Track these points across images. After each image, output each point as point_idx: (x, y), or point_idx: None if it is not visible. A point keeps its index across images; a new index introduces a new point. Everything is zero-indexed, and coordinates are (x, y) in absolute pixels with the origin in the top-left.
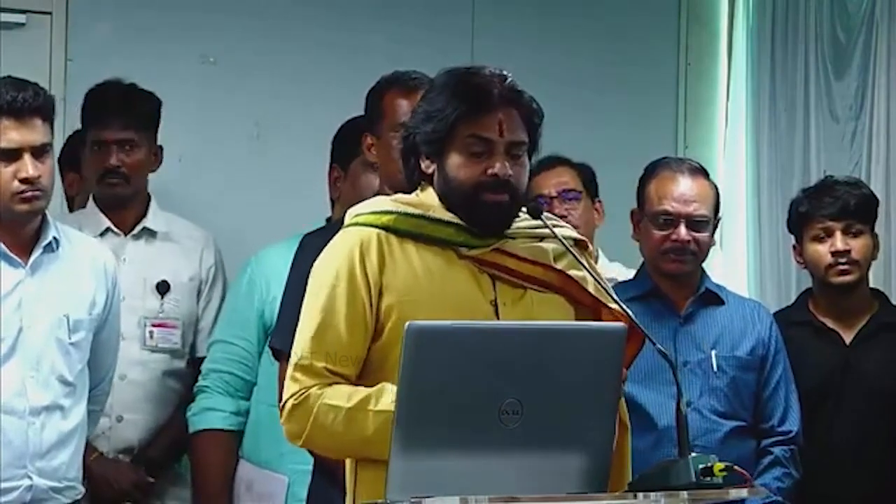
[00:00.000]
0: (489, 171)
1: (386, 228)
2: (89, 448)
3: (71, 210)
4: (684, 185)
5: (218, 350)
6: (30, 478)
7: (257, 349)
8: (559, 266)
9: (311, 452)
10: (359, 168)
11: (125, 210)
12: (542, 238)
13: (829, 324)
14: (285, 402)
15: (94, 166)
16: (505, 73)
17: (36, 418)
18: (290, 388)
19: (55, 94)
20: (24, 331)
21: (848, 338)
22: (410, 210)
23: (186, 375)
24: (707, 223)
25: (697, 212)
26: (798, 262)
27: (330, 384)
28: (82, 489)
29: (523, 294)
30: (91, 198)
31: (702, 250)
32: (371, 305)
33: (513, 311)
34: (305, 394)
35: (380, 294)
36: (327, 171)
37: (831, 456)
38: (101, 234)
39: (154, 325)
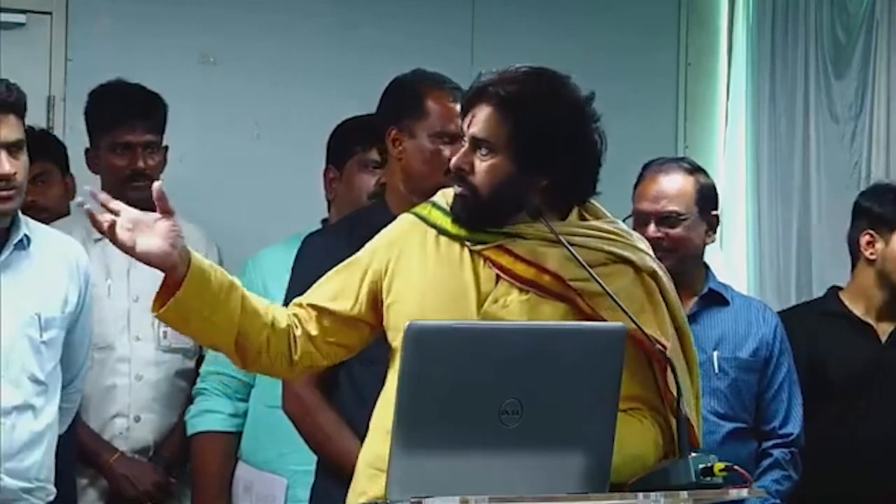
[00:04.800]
0: (450, 163)
1: (421, 217)
2: (110, 448)
3: None
4: (658, 184)
5: (215, 352)
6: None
7: None
8: (566, 276)
9: (313, 451)
10: (354, 168)
11: None
12: (557, 243)
13: (866, 320)
14: None
15: (116, 169)
16: (500, 71)
17: (6, 418)
18: None
19: (55, 94)
20: None
21: (883, 335)
22: (440, 203)
23: (195, 375)
24: (679, 218)
25: (665, 208)
26: (869, 255)
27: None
28: (54, 490)
29: (522, 295)
30: None
31: (678, 246)
32: (369, 280)
33: (503, 310)
34: None
35: (385, 272)
36: (322, 172)
37: (860, 453)
38: None
39: (167, 326)
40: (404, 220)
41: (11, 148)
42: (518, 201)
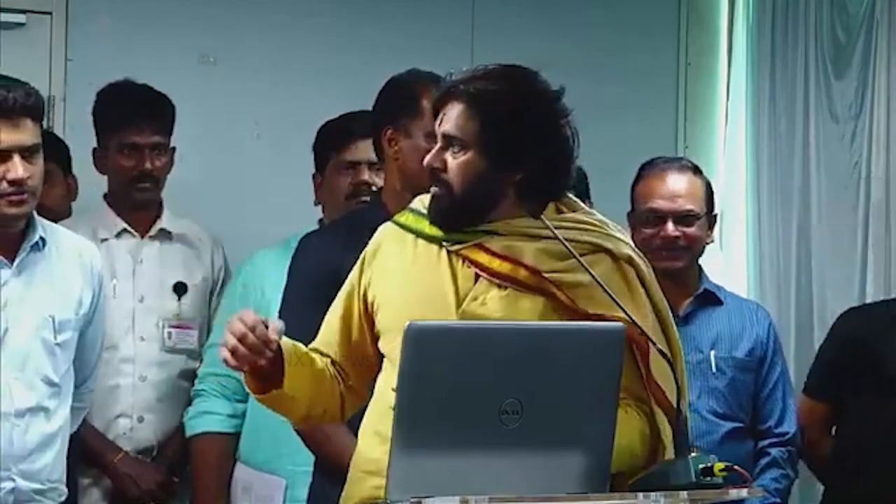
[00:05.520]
0: (425, 162)
1: (399, 224)
2: (114, 448)
3: None
4: (670, 182)
5: (213, 354)
6: (13, 480)
7: None
8: (543, 269)
9: (312, 451)
10: (331, 171)
11: (143, 212)
12: (541, 237)
13: None
14: None
15: (123, 169)
16: (471, 70)
17: (20, 420)
18: None
19: (55, 94)
20: (9, 332)
21: None
22: (416, 207)
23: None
24: (695, 218)
25: (684, 207)
26: None
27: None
28: (65, 490)
29: (502, 292)
30: (103, 199)
31: (693, 245)
32: (360, 295)
33: (481, 308)
34: None
35: (369, 285)
36: (311, 178)
37: None
38: (117, 236)
39: (172, 327)
40: (382, 230)
41: (26, 152)
42: (492, 197)
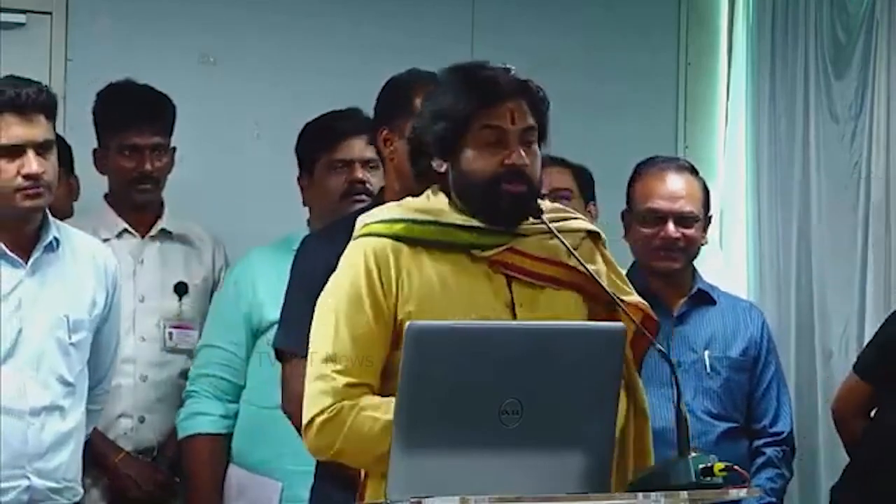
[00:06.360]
0: (506, 162)
1: (397, 238)
2: (115, 447)
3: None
4: (671, 183)
5: (205, 354)
6: (28, 478)
7: (245, 352)
8: (572, 263)
9: None
10: (323, 171)
11: (144, 212)
12: (546, 233)
13: None
14: (313, 418)
15: (124, 170)
16: (507, 66)
17: (35, 419)
18: (317, 403)
19: (55, 94)
20: (24, 331)
21: None
22: (420, 217)
23: None
24: (695, 219)
25: (685, 208)
26: None
27: (359, 396)
28: (81, 490)
29: (540, 293)
30: (104, 199)
31: (691, 246)
32: (389, 318)
33: (530, 312)
34: (338, 407)
35: (396, 305)
36: (296, 180)
37: None
38: (118, 236)
39: (173, 327)
40: (368, 246)
41: (39, 148)
42: None
